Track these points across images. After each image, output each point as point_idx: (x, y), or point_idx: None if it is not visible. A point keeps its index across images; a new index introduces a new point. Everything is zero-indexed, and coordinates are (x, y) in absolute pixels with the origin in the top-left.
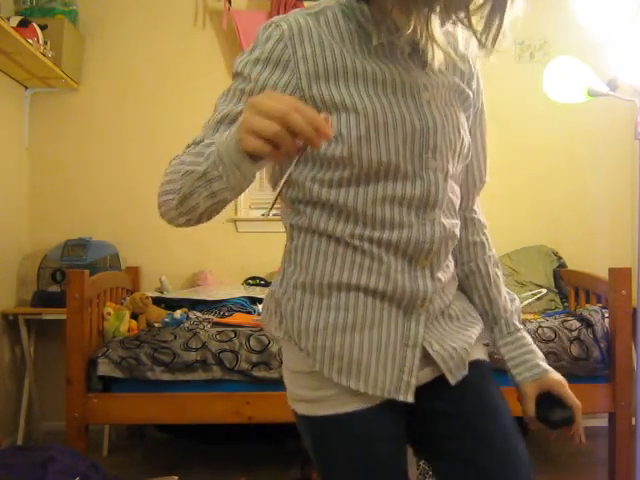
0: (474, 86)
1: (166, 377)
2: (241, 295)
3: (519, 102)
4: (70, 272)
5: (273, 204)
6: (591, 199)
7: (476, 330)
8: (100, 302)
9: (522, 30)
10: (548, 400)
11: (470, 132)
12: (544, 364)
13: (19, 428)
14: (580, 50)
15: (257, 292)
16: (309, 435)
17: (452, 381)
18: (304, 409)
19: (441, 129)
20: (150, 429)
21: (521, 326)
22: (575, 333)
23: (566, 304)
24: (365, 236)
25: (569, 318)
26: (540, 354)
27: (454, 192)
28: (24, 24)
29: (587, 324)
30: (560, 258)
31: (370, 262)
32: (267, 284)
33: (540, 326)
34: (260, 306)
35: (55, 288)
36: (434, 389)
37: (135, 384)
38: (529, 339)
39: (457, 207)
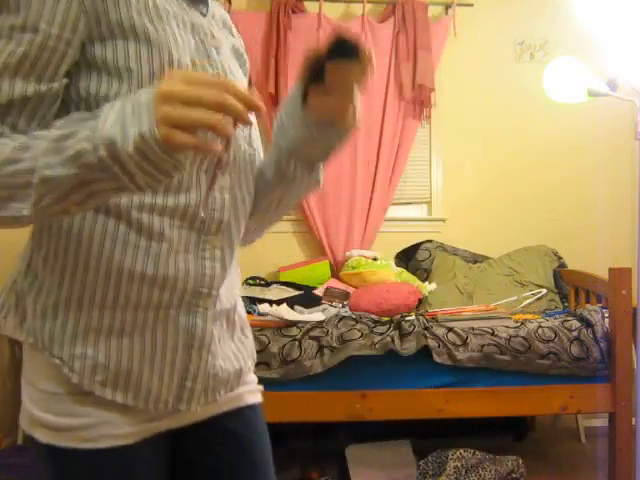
0: (246, 57)
1: None
2: (240, 295)
3: (519, 102)
4: None
5: (205, 202)
6: (591, 199)
7: (250, 359)
8: None
9: (522, 30)
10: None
11: None
12: None
13: (19, 428)
14: (580, 50)
15: (257, 292)
16: (52, 470)
17: (193, 407)
18: (48, 437)
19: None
20: None
21: None
22: (575, 333)
23: (566, 304)
24: (146, 204)
25: (569, 318)
26: None
27: (258, 149)
28: None
29: (587, 324)
30: (560, 258)
31: (147, 240)
32: (267, 284)
33: (540, 326)
34: (261, 307)
35: None
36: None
37: None
38: None
39: (254, 170)
